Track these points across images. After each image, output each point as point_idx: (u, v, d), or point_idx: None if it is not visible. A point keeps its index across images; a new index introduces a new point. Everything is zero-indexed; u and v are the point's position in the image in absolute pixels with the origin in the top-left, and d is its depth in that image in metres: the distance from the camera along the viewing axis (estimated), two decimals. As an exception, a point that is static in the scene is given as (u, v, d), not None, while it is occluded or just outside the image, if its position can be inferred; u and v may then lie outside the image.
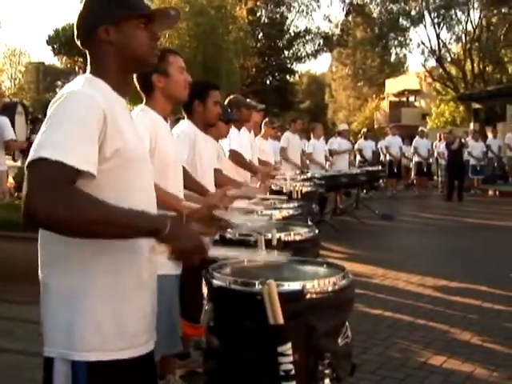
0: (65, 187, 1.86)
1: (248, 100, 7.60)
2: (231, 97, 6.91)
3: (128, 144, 2.11)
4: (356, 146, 20.66)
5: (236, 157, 6.33)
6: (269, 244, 3.04)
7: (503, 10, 36.72)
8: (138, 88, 3.65)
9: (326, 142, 15.78)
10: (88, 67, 2.26)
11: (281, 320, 2.02)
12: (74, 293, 2.06)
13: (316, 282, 2.18)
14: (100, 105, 2.01)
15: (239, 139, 6.45)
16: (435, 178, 23.33)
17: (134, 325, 2.16)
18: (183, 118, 4.71)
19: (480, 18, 37.76)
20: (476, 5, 37.48)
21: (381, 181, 20.66)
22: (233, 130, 6.07)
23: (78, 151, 1.89)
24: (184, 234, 2.11)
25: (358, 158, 20.29)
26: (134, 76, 3.54)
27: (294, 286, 2.14)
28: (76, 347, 2.05)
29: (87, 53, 2.26)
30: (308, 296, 2.12)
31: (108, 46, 2.19)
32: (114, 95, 2.21)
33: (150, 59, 2.29)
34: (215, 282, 2.28)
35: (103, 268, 2.08)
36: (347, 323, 2.36)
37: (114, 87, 2.21)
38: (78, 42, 2.28)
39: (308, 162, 13.77)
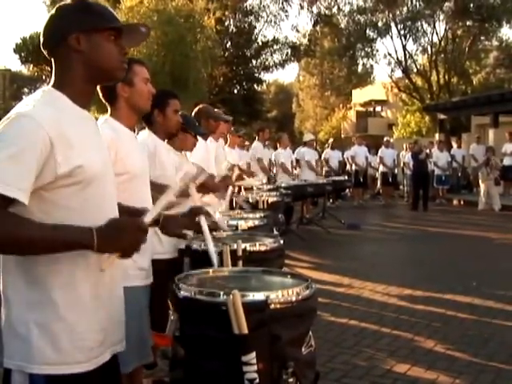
0: None
1: (216, 110, 7.60)
2: (201, 106, 6.84)
3: (89, 160, 2.13)
4: (323, 156, 20.73)
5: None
6: (234, 254, 3.06)
7: (468, 23, 37.20)
8: (102, 97, 3.63)
9: (293, 152, 15.86)
10: (52, 77, 2.25)
11: (245, 330, 2.05)
12: (32, 307, 2.07)
13: (280, 292, 2.21)
14: (45, 130, 2.01)
15: (204, 150, 6.38)
16: (401, 187, 23.52)
17: (91, 338, 2.17)
18: (148, 128, 4.68)
19: (445, 30, 38.29)
20: (441, 17, 37.97)
21: (347, 190, 20.77)
22: (199, 140, 6.02)
23: (8, 178, 1.92)
24: (114, 235, 2.08)
25: (325, 167, 20.34)
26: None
27: (258, 296, 2.16)
28: (33, 360, 2.06)
29: (53, 61, 2.25)
30: (272, 306, 2.14)
31: (77, 55, 2.19)
32: (75, 109, 2.21)
33: (118, 72, 2.30)
34: (181, 293, 2.29)
35: (59, 283, 2.10)
36: (311, 332, 2.40)
37: (76, 98, 2.21)
38: (45, 51, 2.26)
39: (275, 170, 13.89)
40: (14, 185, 1.92)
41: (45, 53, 2.28)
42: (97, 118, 3.67)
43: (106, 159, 2.34)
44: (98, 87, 3.54)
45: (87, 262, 2.14)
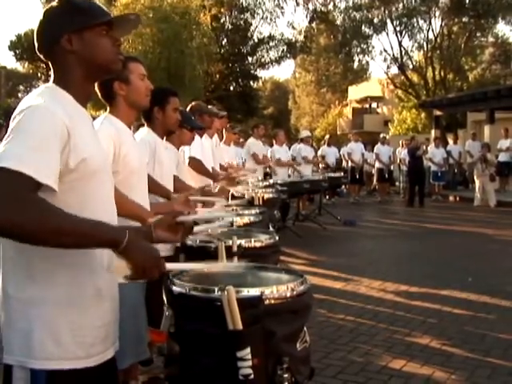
0: (27, 195, 1.85)
1: (210, 107, 7.61)
2: (193, 104, 6.89)
3: (91, 155, 2.13)
4: (319, 153, 20.71)
5: (195, 164, 6.30)
6: (229, 251, 3.06)
7: (463, 19, 37.21)
8: (100, 96, 3.64)
9: (289, 149, 15.86)
10: (51, 77, 2.25)
11: (240, 325, 2.04)
12: (33, 302, 2.06)
13: (274, 288, 2.21)
14: (62, 119, 2.02)
15: (200, 146, 6.43)
16: (397, 184, 23.54)
17: (92, 334, 2.17)
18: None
19: (441, 26, 38.28)
20: (437, 14, 37.94)
21: (343, 187, 20.79)
22: (195, 138, 6.05)
23: (37, 164, 1.89)
24: (141, 248, 2.09)
25: (321, 164, 20.31)
26: (96, 84, 3.55)
27: (253, 292, 2.16)
28: (34, 355, 2.05)
29: (50, 64, 2.25)
30: (267, 302, 2.14)
31: (71, 55, 2.19)
32: (77, 106, 2.21)
33: (115, 65, 2.30)
34: (175, 289, 2.29)
35: (63, 279, 2.09)
36: (306, 328, 2.40)
37: (77, 97, 2.22)
38: (41, 55, 2.27)
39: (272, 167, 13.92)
40: (43, 171, 1.91)
41: (41, 57, 2.28)
42: (93, 115, 3.68)
43: (104, 156, 2.36)
44: (96, 87, 3.56)
45: (90, 258, 2.14)
